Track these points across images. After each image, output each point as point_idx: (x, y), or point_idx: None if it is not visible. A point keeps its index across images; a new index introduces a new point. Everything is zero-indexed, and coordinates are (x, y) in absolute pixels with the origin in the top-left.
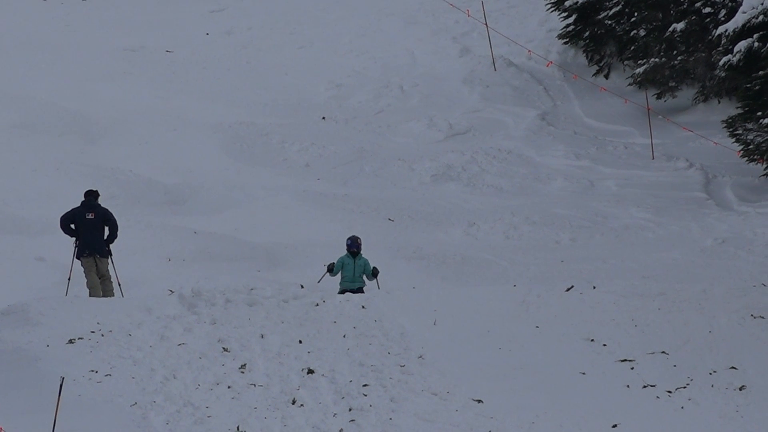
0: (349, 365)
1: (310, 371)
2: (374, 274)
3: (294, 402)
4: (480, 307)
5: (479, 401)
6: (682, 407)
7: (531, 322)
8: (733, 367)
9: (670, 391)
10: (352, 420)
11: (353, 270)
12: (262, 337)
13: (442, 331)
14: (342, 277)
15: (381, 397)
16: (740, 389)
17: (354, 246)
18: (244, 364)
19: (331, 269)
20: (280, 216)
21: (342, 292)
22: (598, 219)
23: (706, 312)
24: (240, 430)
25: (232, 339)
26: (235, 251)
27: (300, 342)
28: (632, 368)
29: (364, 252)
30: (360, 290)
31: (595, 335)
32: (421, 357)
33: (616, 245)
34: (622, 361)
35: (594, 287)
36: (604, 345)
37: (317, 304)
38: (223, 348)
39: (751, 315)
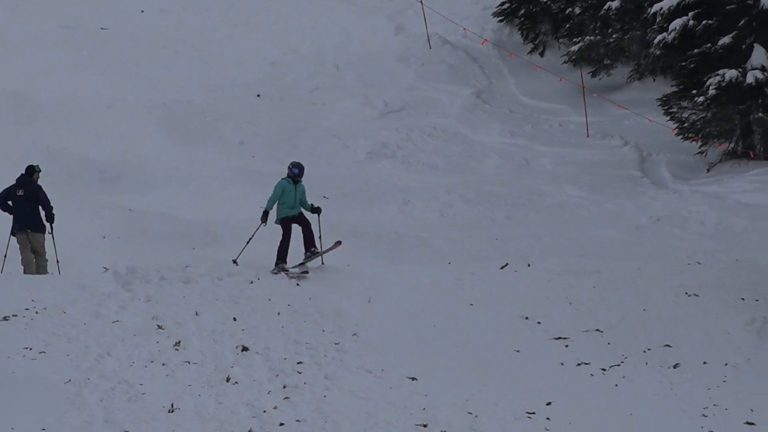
0: (283, 343)
1: (245, 349)
2: (315, 210)
3: (228, 379)
4: (415, 285)
5: (413, 379)
6: (617, 385)
7: (465, 300)
8: (667, 345)
9: (604, 369)
10: (286, 397)
11: (294, 196)
12: (197, 314)
13: (376, 308)
14: (281, 204)
15: (315, 375)
16: (674, 367)
17: (301, 173)
18: (179, 342)
19: (265, 218)
20: (215, 194)
21: (283, 219)
22: (533, 197)
23: (640, 290)
24: (174, 407)
25: (167, 316)
26: (169, 229)
27: (234, 319)
28: (566, 346)
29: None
30: (301, 216)
31: (530, 313)
32: (355, 335)
33: (551, 223)
34: (557, 338)
35: (529, 265)
36: (539, 323)
37: (252, 282)
38: (158, 325)
39: (686, 293)
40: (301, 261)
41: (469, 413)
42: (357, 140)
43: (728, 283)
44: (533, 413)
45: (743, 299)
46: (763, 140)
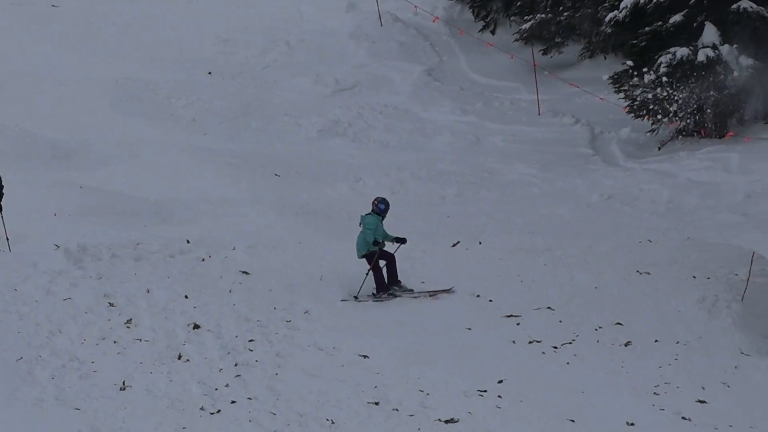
0: (235, 320)
1: (196, 326)
2: (400, 240)
3: (180, 357)
4: (366, 263)
5: (365, 357)
6: (568, 363)
7: (417, 278)
8: (618, 323)
9: (555, 347)
10: (237, 375)
11: (382, 231)
12: (148, 292)
13: (328, 286)
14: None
15: (267, 353)
16: (626, 345)
17: (387, 210)
18: (130, 319)
19: (380, 245)
20: (167, 171)
21: (370, 252)
22: (484, 175)
23: (591, 268)
24: (125, 384)
25: (118, 294)
26: (121, 206)
27: (186, 297)
28: (518, 324)
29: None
30: (385, 250)
31: (481, 291)
32: (307, 312)
33: (502, 201)
34: (508, 316)
35: (480, 243)
36: (490, 300)
37: (203, 260)
38: (109, 303)
39: (637, 271)
40: (384, 294)
41: (421, 391)
42: (309, 118)
43: (679, 261)
44: (485, 391)
45: (694, 277)
46: (713, 118)
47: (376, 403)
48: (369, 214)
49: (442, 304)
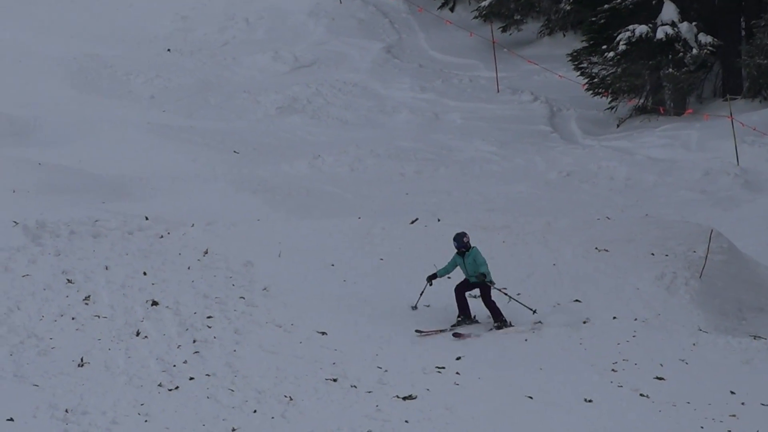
0: (193, 297)
1: (155, 303)
2: (480, 281)
3: (138, 334)
4: (325, 240)
5: (323, 333)
6: (526, 340)
7: (375, 255)
8: (577, 300)
9: (513, 324)
10: (196, 352)
11: (465, 269)
12: (107, 268)
13: (286, 263)
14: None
15: (225, 329)
16: (584, 322)
17: (462, 246)
18: (89, 296)
19: (432, 279)
20: (126, 148)
21: (465, 280)
22: (443, 152)
23: (550, 245)
24: (84, 361)
25: (77, 271)
26: (79, 183)
27: (144, 274)
28: (475, 296)
29: None
30: (483, 285)
31: (435, 267)
32: (265, 289)
33: (461, 178)
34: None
35: (439, 220)
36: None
37: (162, 236)
38: (68, 279)
39: (596, 248)
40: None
41: (379, 367)
42: (267, 95)
43: (638, 238)
44: (443, 368)
45: (653, 254)
46: (672, 96)
47: (335, 380)
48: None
49: (400, 281)
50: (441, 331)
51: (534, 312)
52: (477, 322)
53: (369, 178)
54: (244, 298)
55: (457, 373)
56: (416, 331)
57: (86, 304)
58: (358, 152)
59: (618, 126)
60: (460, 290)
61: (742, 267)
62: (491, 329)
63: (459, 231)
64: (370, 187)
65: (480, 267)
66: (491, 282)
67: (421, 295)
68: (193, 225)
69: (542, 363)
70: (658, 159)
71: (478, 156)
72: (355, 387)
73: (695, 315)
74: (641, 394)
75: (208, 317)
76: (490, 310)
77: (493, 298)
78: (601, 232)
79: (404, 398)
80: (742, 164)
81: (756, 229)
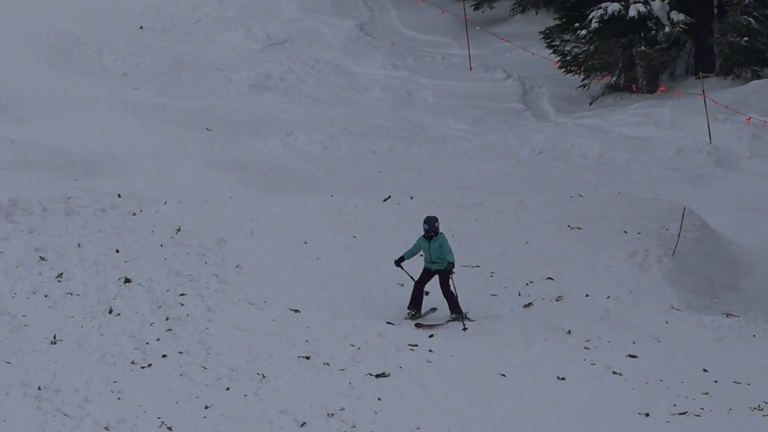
0: (166, 274)
1: (127, 280)
2: (447, 269)
3: (111, 311)
4: (298, 218)
5: (296, 311)
6: (498, 317)
7: (348, 233)
8: (549, 278)
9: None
10: (168, 329)
11: (429, 253)
12: (79, 246)
13: (259, 241)
14: (423, 257)
15: (198, 307)
16: (557, 300)
17: (431, 230)
18: (61, 273)
19: (399, 264)
20: (98, 125)
21: (424, 271)
22: (415, 129)
23: (522, 223)
24: (56, 338)
25: (49, 248)
26: (52, 160)
27: (117, 251)
28: (453, 273)
29: None
30: (443, 271)
31: (406, 247)
32: (238, 267)
33: (434, 156)
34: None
35: (411, 197)
36: (421, 255)
37: (134, 214)
38: (40, 257)
39: (568, 226)
40: (440, 323)
41: (352, 345)
42: (240, 72)
43: (610, 216)
44: (416, 345)
45: (625, 232)
46: (645, 73)
47: (307, 357)
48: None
49: (373, 260)
50: (438, 325)
51: (465, 330)
52: (421, 316)
53: (342, 156)
54: (216, 276)
55: (430, 350)
56: (416, 324)
57: (59, 281)
58: (331, 130)
59: (590, 104)
60: (421, 285)
61: (714, 245)
62: (448, 321)
63: (431, 215)
64: (343, 165)
65: (447, 255)
66: (452, 272)
67: (407, 273)
68: (165, 203)
69: (515, 341)
70: (630, 137)
71: (451, 134)
72: (328, 365)
73: (668, 293)
74: (614, 372)
75: (181, 295)
76: (447, 300)
77: (452, 289)
78: (574, 210)
79: (377, 376)
80: (715, 142)
81: (728, 207)
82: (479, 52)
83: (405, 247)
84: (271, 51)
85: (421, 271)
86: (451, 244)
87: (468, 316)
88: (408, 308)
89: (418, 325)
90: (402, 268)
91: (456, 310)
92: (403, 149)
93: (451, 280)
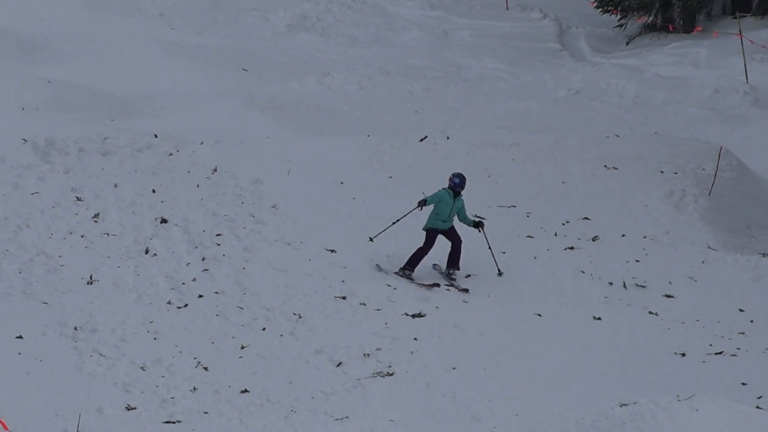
0: (202, 215)
1: (164, 221)
2: (478, 225)
3: (147, 251)
4: (334, 157)
5: (332, 251)
6: (535, 257)
7: (384, 173)
8: (586, 218)
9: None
10: (205, 269)
11: (450, 210)
12: (116, 186)
13: (295, 181)
14: (434, 213)
15: (234, 247)
16: (593, 239)
17: (462, 185)
18: (98, 214)
19: (422, 205)
20: (134, 65)
21: (430, 228)
22: (452, 69)
23: (559, 163)
24: (93, 279)
25: (86, 188)
26: (88, 100)
27: (153, 191)
28: (484, 219)
29: None
30: (452, 232)
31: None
32: (274, 207)
33: (470, 96)
34: (474, 216)
35: (448, 137)
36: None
37: (171, 154)
38: (77, 197)
39: (605, 166)
40: (435, 282)
41: (388, 285)
42: (276, 12)
43: (647, 156)
44: (452, 285)
45: (662, 172)
46: (681, 13)
47: (344, 298)
48: (443, 188)
49: (409, 199)
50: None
51: (500, 274)
52: (411, 280)
53: (378, 96)
54: (253, 216)
55: (466, 290)
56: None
57: (95, 221)
58: (368, 70)
59: (627, 44)
60: (423, 252)
61: (751, 184)
62: (448, 274)
63: (462, 173)
64: (379, 105)
65: (470, 218)
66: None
67: (403, 216)
68: (202, 143)
69: (552, 280)
70: (667, 77)
71: (487, 74)
72: (364, 305)
73: (704, 233)
74: (650, 312)
75: (218, 235)
76: (453, 253)
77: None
78: (610, 150)
79: (413, 316)
80: (752, 82)
81: (765, 147)
82: None
83: (443, 187)
84: None
85: (426, 234)
86: (488, 184)
87: (458, 284)
88: (403, 268)
89: (419, 285)
90: (421, 209)
91: (455, 266)
92: (440, 89)
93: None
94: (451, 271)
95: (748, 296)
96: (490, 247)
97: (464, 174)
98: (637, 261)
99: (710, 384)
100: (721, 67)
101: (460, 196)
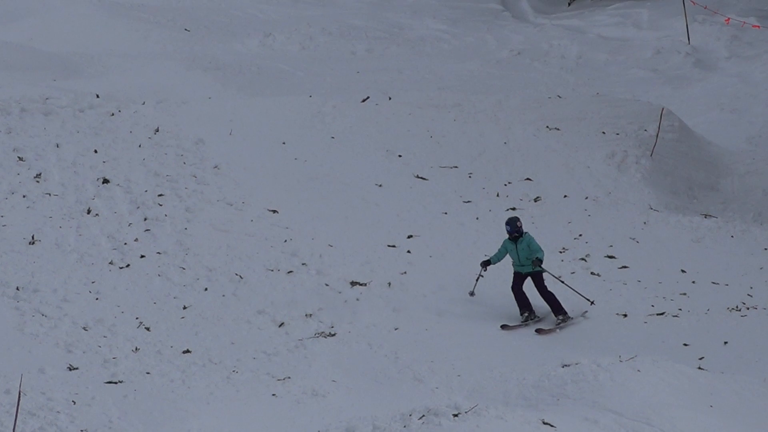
0: (144, 175)
1: (106, 181)
2: (535, 263)
3: (89, 211)
4: (276, 118)
5: (274, 211)
6: (477, 218)
7: (327, 133)
8: (528, 179)
9: (468, 202)
10: (147, 230)
11: (518, 255)
12: (58, 146)
13: (237, 141)
14: (512, 261)
15: (176, 207)
16: (535, 200)
17: (514, 231)
18: (39, 174)
19: (486, 265)
20: (76, 25)
21: (515, 275)
22: (394, 30)
23: (501, 123)
24: (35, 239)
25: (28, 148)
26: (29, 61)
27: (95, 152)
28: (426, 180)
29: None
30: (536, 274)
31: (391, 146)
32: (216, 167)
33: (412, 56)
34: (417, 177)
35: (390, 98)
36: (400, 156)
37: (113, 114)
38: (18, 157)
39: (547, 126)
40: (549, 326)
41: (330, 245)
42: None
43: (589, 116)
44: (394, 246)
45: (604, 133)
46: None
47: (286, 258)
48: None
49: (352, 160)
50: (524, 325)
51: (592, 303)
52: (539, 318)
53: (320, 57)
54: (195, 177)
55: (408, 251)
56: (502, 326)
57: (37, 182)
58: (309, 30)
59: (569, 4)
60: (518, 288)
61: (692, 145)
62: (559, 324)
63: (512, 215)
64: (321, 66)
65: (536, 253)
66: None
67: (476, 281)
68: (144, 103)
69: (493, 240)
70: (609, 38)
71: (429, 34)
72: (306, 265)
73: (646, 193)
74: (592, 273)
75: (159, 195)
76: (548, 303)
77: (549, 289)
78: (552, 111)
79: (352, 284)
80: (693, 43)
81: (707, 108)
82: None
83: (385, 148)
84: None
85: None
86: (430, 144)
87: (571, 315)
88: (521, 314)
89: (538, 331)
90: (486, 270)
91: (560, 312)
92: (382, 50)
93: (544, 279)
94: (560, 320)
95: (689, 257)
96: (562, 281)
97: (515, 216)
98: (579, 221)
99: (652, 345)
100: (663, 28)
101: (521, 239)
